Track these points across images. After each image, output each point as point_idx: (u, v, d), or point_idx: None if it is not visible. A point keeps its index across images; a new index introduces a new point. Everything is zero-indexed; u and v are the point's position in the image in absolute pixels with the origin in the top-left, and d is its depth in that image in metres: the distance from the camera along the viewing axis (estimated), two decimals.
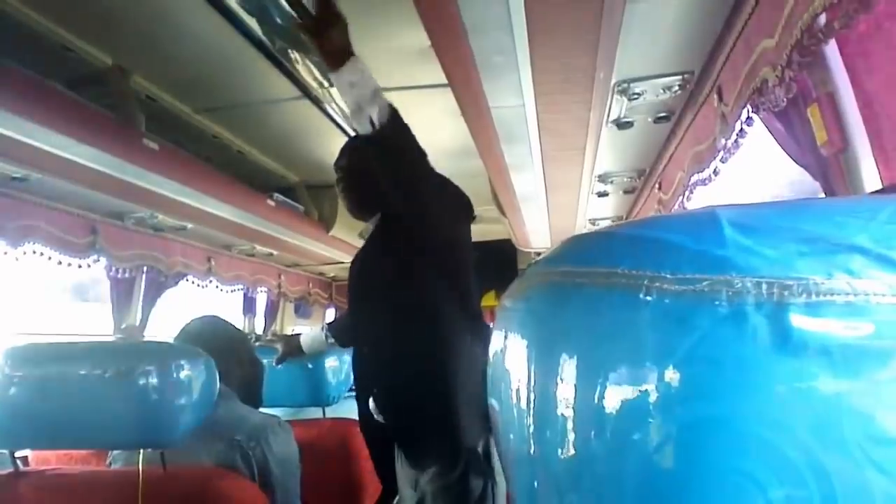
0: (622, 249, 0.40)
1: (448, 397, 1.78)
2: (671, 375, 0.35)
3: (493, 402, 0.54)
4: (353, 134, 2.79)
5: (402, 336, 1.85)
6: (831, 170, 1.47)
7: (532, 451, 0.44)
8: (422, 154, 1.70)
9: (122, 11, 2.06)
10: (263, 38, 2.24)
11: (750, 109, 1.67)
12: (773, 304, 0.33)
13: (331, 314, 6.17)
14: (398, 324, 1.86)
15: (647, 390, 0.35)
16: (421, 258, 1.83)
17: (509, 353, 0.48)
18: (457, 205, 1.96)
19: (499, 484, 1.84)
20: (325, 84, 2.58)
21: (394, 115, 1.61)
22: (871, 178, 1.35)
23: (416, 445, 1.86)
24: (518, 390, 0.46)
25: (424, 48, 2.08)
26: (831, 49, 1.36)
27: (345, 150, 2.03)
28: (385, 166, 1.69)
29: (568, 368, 0.40)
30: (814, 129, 1.47)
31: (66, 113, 2.07)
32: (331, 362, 2.45)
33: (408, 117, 1.64)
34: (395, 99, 1.63)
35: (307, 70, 2.49)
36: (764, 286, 0.34)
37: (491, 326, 0.61)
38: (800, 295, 0.33)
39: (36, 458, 2.03)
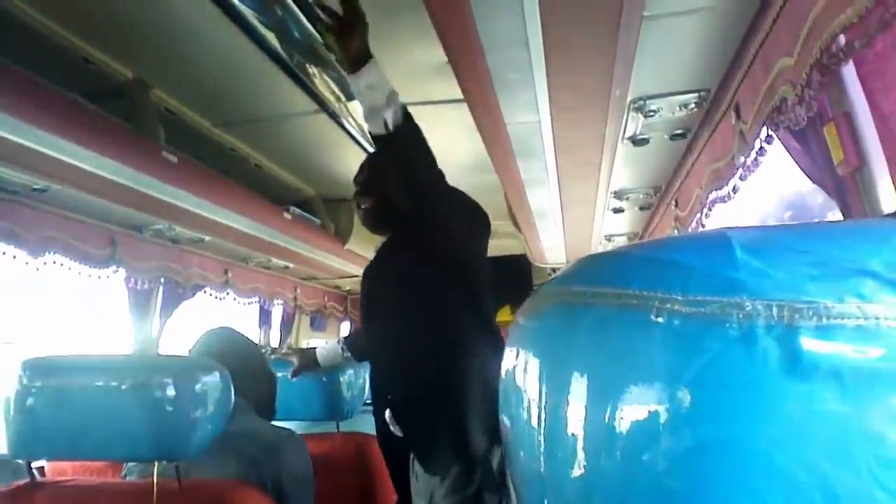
0: (633, 270, 0.40)
1: (462, 406, 1.78)
2: (681, 397, 0.35)
3: (504, 418, 0.55)
4: (370, 149, 2.82)
5: (415, 345, 1.86)
6: (847, 188, 1.47)
7: (542, 470, 0.44)
8: (433, 159, 1.78)
9: (142, 25, 2.08)
10: (282, 52, 2.25)
11: (768, 128, 1.66)
12: (784, 327, 0.33)
13: (346, 328, 6.17)
14: (411, 333, 1.87)
15: (656, 411, 0.35)
16: (433, 267, 1.84)
17: (521, 370, 0.49)
18: (470, 215, 1.97)
19: (514, 501, 1.83)
20: (343, 98, 2.60)
21: (407, 118, 1.68)
22: (887, 196, 1.34)
23: (431, 454, 1.86)
24: (529, 408, 0.46)
25: (441, 64, 2.09)
26: (847, 68, 1.35)
27: (364, 167, 2.05)
28: (398, 168, 1.78)
29: (578, 387, 0.40)
30: (830, 148, 1.46)
31: (86, 125, 2.09)
32: (346, 376, 2.45)
33: (424, 132, 1.67)
34: (412, 114, 1.66)
35: (324, 84, 2.50)
36: (774, 309, 0.34)
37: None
38: (810, 318, 0.33)
39: (52, 470, 2.05)
